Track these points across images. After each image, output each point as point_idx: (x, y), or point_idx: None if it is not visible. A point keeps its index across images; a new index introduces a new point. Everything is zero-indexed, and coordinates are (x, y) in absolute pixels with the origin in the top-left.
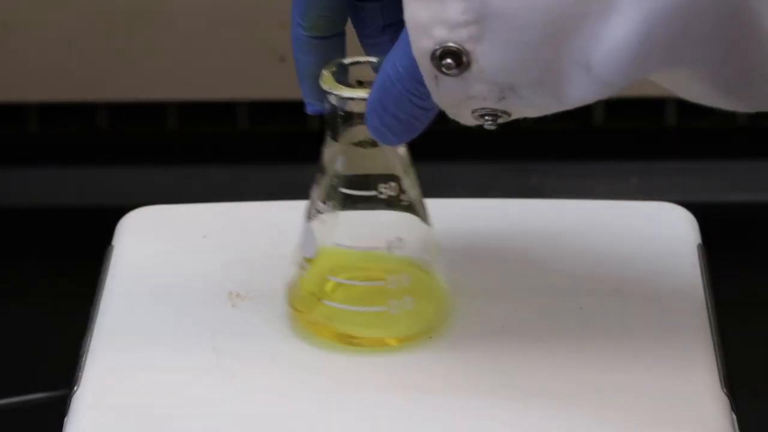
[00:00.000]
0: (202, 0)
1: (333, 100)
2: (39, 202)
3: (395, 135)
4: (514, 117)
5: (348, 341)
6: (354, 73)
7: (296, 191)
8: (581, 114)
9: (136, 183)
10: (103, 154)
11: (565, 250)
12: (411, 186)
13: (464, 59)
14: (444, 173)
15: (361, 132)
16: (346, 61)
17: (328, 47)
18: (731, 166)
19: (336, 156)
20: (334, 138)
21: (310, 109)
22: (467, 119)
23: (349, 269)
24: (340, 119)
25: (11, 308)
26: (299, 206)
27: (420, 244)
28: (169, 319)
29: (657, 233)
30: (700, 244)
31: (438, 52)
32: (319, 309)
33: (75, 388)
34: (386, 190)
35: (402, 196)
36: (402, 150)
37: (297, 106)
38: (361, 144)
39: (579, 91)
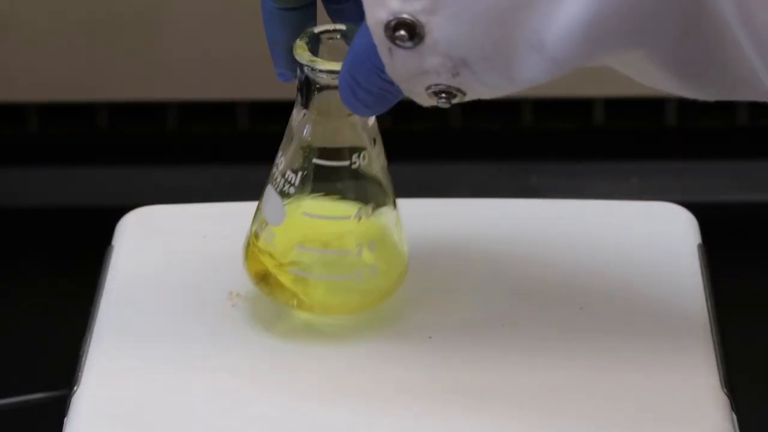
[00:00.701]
0: (202, 0)
1: (307, 72)
2: (39, 202)
3: (368, 107)
4: (469, 97)
5: (310, 308)
6: (326, 42)
7: None
8: (581, 114)
9: (136, 183)
10: (103, 154)
11: (565, 250)
12: (378, 156)
13: (418, 31)
14: (444, 173)
15: (333, 101)
16: (318, 29)
17: (298, 18)
18: (731, 166)
19: (306, 124)
20: (305, 105)
21: (281, 79)
22: (422, 97)
23: (317, 238)
24: (314, 89)
25: (11, 308)
26: None
27: (385, 212)
28: (169, 319)
29: (657, 233)
30: (700, 244)
31: (392, 23)
32: (285, 277)
33: (75, 388)
34: (358, 160)
35: (372, 165)
36: (371, 119)
37: None
38: (332, 113)
39: (532, 69)
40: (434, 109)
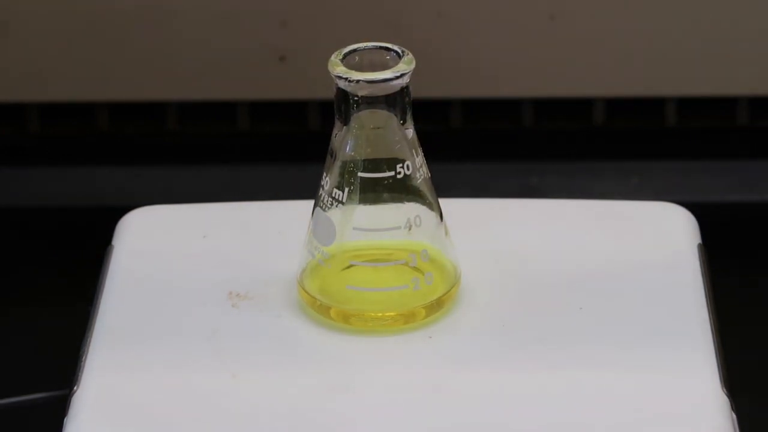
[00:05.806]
0: (202, 0)
1: (342, 84)
2: (39, 202)
3: None
4: None
5: (373, 325)
6: (363, 58)
7: (296, 191)
8: (581, 114)
9: (136, 183)
10: (103, 154)
11: (565, 250)
12: (421, 166)
13: None
14: (444, 173)
15: (371, 113)
16: (354, 46)
17: None
18: (731, 166)
19: (347, 140)
20: (345, 122)
21: None
22: None
23: (371, 252)
24: (352, 103)
25: (11, 308)
26: (299, 206)
27: (433, 221)
28: (169, 319)
29: (657, 233)
30: (700, 244)
31: None
32: (343, 295)
33: (75, 388)
34: (402, 170)
35: (416, 175)
36: (411, 131)
37: (297, 106)
38: (372, 126)
39: None
40: (434, 109)
